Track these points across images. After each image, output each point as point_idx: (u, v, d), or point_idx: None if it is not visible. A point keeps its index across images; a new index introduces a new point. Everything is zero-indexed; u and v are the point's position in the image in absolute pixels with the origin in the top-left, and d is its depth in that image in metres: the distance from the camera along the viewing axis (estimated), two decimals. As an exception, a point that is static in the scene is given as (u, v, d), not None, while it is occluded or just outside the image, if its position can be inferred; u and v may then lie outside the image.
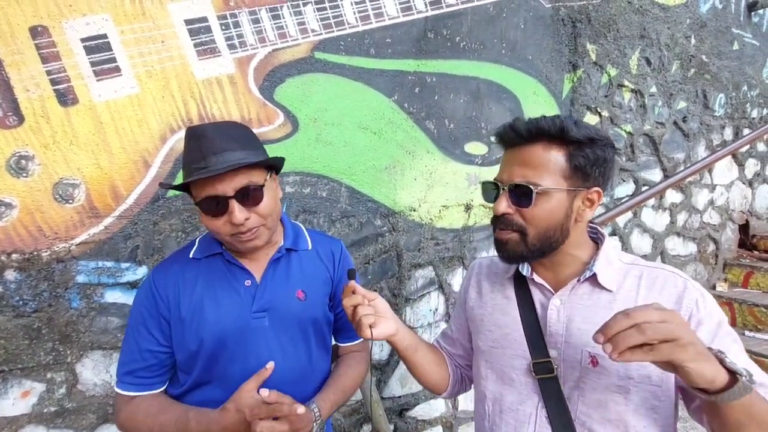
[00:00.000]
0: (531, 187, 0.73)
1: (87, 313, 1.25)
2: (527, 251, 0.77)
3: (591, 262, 0.80)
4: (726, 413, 0.59)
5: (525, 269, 0.85)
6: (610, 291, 0.77)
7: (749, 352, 2.18)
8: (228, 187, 0.81)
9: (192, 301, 0.90)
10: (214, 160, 0.81)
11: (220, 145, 0.82)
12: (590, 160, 0.74)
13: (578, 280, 0.79)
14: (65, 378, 1.24)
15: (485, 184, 0.83)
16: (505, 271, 0.92)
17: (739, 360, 0.64)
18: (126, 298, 1.30)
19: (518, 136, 0.76)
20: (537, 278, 0.84)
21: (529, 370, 0.81)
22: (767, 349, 2.19)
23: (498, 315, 0.89)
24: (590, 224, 0.85)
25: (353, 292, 0.80)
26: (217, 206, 0.82)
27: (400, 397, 1.87)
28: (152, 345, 0.90)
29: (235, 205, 0.81)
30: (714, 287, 2.94)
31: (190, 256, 0.95)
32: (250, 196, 0.83)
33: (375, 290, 1.78)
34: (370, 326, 0.78)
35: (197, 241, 0.99)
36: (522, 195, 0.75)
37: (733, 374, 0.57)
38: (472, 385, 1.00)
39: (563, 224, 0.76)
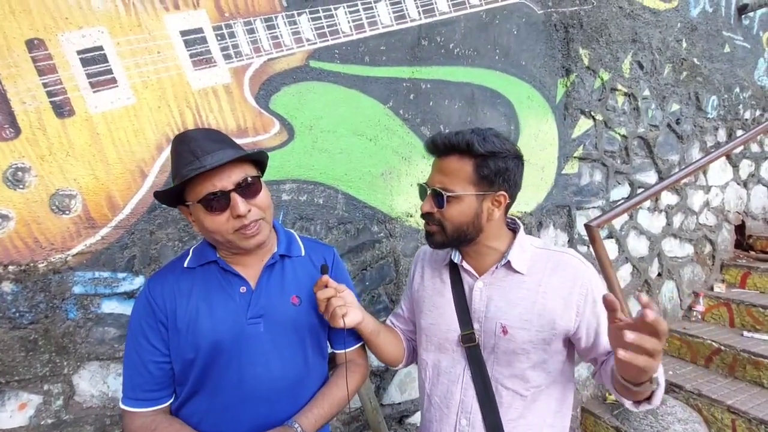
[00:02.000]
0: (443, 192, 0.91)
1: (84, 323, 1.25)
2: (447, 240, 0.95)
3: (507, 250, 0.97)
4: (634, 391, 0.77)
5: (456, 257, 1.02)
6: (522, 273, 0.95)
7: (747, 352, 2.19)
8: (227, 181, 0.84)
9: (188, 311, 0.90)
10: (209, 158, 0.83)
11: (211, 146, 0.85)
12: (493, 170, 0.90)
13: (496, 267, 0.97)
14: (62, 390, 1.23)
15: (420, 186, 0.99)
16: (443, 259, 1.08)
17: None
18: (123, 308, 1.30)
19: (437, 148, 0.94)
20: (465, 265, 1.01)
21: (459, 341, 0.99)
22: (766, 350, 2.19)
23: (436, 297, 1.06)
24: (509, 217, 1.03)
25: (326, 286, 0.89)
26: (218, 202, 0.84)
27: (399, 403, 1.86)
28: (155, 356, 0.90)
29: (237, 198, 0.84)
30: (712, 288, 2.95)
31: (185, 265, 0.95)
32: (249, 188, 0.87)
33: (373, 297, 1.78)
34: (343, 316, 0.89)
35: (191, 251, 0.99)
36: (439, 198, 0.91)
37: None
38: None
39: (474, 221, 0.93)
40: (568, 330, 0.91)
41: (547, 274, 0.94)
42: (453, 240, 0.95)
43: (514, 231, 1.02)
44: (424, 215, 0.97)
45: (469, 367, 0.97)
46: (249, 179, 0.86)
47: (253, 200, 0.87)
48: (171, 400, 0.93)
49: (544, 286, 0.92)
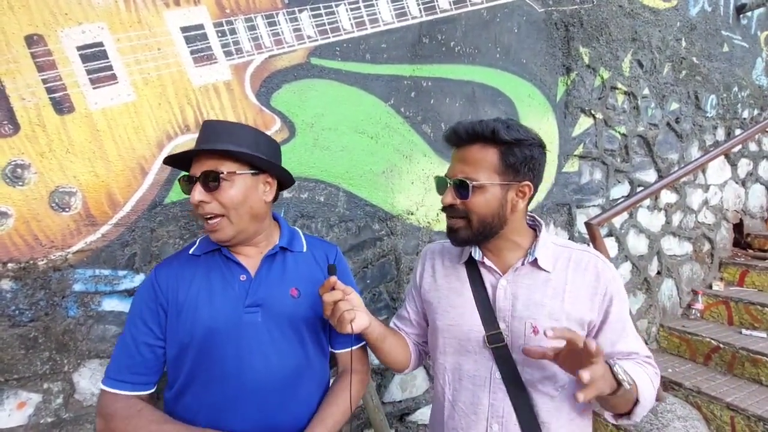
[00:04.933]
0: (468, 182, 0.87)
1: (84, 321, 1.24)
2: (472, 235, 0.91)
3: (531, 247, 0.94)
4: (610, 402, 0.81)
5: (477, 254, 0.98)
6: (547, 271, 0.92)
7: (746, 350, 2.20)
8: (198, 169, 0.89)
9: (188, 295, 0.91)
10: (204, 146, 0.91)
11: (215, 137, 0.90)
12: (519, 158, 0.87)
13: (521, 263, 0.94)
14: (62, 388, 1.22)
15: (437, 179, 0.95)
16: (458, 257, 1.04)
17: (629, 334, 0.91)
18: (123, 306, 1.29)
19: (459, 138, 0.90)
20: (488, 262, 0.97)
21: (484, 342, 0.93)
22: (764, 347, 2.20)
23: (453, 297, 1.00)
24: (529, 214, 1.00)
25: (333, 288, 0.84)
26: (187, 186, 0.91)
27: (400, 401, 1.86)
28: (149, 338, 0.91)
29: (196, 186, 0.88)
30: (710, 286, 2.96)
31: (191, 253, 0.98)
32: (209, 181, 0.88)
33: (373, 295, 1.78)
34: (350, 321, 0.84)
35: (198, 240, 1.02)
36: (462, 188, 0.88)
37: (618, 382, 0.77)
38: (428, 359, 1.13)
39: (499, 213, 0.90)
40: (593, 330, 0.91)
41: (571, 273, 0.92)
42: (478, 234, 0.91)
43: (534, 228, 1.00)
44: (446, 208, 0.93)
45: (499, 369, 0.92)
46: (213, 173, 0.88)
47: (215, 194, 0.88)
48: (152, 391, 0.94)
49: (570, 285, 0.90)
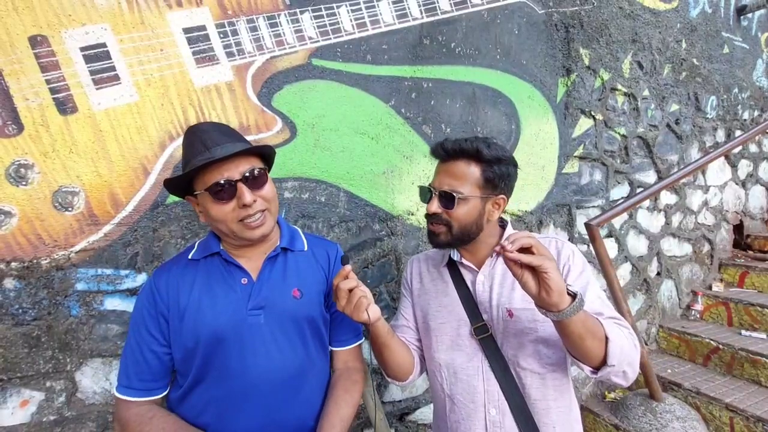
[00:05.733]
0: (454, 194, 0.95)
1: (86, 320, 1.25)
2: (452, 239, 1.00)
3: (500, 241, 0.99)
4: (570, 328, 0.79)
5: (456, 255, 1.08)
6: None
7: (745, 350, 2.21)
8: (234, 172, 0.87)
9: (190, 300, 0.91)
10: (219, 150, 0.86)
11: (221, 138, 0.89)
12: (497, 174, 0.98)
13: (492, 257, 1.04)
14: (65, 386, 1.23)
15: (422, 188, 1.03)
16: (440, 261, 1.13)
17: (590, 298, 0.93)
18: (125, 305, 1.30)
19: (446, 153, 0.99)
20: (465, 261, 1.07)
21: (471, 334, 1.02)
22: (763, 348, 2.21)
23: (441, 297, 1.09)
24: (499, 217, 1.09)
25: (347, 277, 0.86)
26: (225, 191, 0.87)
27: (400, 401, 1.87)
28: (153, 345, 0.91)
29: (243, 188, 0.87)
30: (710, 287, 2.96)
31: (189, 257, 0.98)
32: (255, 179, 0.89)
33: (374, 295, 1.78)
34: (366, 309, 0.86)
35: (196, 244, 1.01)
36: (448, 199, 0.96)
37: (573, 297, 0.78)
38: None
39: (477, 221, 1.00)
40: None
41: None
42: (457, 240, 1.00)
43: (503, 227, 1.11)
44: (430, 215, 1.01)
45: (487, 357, 1.00)
46: (255, 171, 0.89)
47: (258, 191, 0.90)
48: (165, 393, 0.95)
49: None
